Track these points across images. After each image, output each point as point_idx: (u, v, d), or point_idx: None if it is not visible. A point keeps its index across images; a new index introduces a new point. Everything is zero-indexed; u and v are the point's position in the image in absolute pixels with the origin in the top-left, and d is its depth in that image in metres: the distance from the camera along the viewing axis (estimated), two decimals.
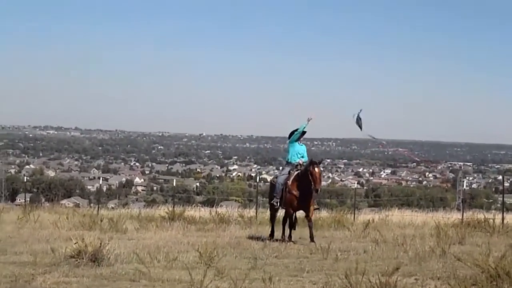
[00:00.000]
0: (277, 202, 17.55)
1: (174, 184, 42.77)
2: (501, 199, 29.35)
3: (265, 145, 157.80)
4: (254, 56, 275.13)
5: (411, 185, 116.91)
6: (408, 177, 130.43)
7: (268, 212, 20.97)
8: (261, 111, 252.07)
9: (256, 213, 25.77)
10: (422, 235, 15.92)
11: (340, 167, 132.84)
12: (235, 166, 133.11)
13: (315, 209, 18.04)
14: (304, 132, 17.75)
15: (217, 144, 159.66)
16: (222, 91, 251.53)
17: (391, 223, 22.92)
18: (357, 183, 73.04)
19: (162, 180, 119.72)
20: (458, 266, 11.59)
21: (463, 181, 36.73)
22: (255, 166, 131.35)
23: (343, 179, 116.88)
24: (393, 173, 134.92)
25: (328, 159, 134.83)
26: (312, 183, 16.76)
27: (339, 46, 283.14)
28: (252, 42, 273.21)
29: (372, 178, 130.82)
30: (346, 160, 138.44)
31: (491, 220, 20.75)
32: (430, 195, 77.82)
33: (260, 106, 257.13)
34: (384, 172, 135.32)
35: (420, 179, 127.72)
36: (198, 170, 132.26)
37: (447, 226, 19.49)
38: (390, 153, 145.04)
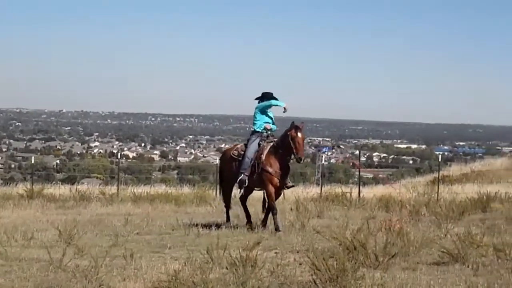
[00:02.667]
0: (245, 180, 14.78)
1: (33, 162, 41.61)
2: (358, 173, 30.31)
3: (127, 121, 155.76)
4: (110, 29, 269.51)
5: None
6: None
7: (218, 194, 18.66)
8: (122, 87, 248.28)
9: (117, 190, 25.45)
10: (282, 210, 16.18)
11: (202, 143, 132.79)
12: (97, 143, 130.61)
13: (290, 186, 15.58)
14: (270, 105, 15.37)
15: (77, 120, 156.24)
16: (81, 67, 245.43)
17: (253, 199, 23.17)
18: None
19: (21, 158, 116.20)
20: (317, 239, 11.93)
21: (322, 156, 37.65)
22: (117, 142, 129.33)
23: (206, 155, 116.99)
24: None
25: (190, 135, 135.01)
26: (294, 151, 14.26)
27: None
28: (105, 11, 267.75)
29: None
30: (208, 136, 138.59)
31: (348, 194, 21.43)
32: (290, 170, 78.88)
33: (121, 81, 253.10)
34: None
35: None
36: (58, 147, 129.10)
37: (307, 201, 19.93)
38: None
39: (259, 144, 14.85)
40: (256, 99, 15.57)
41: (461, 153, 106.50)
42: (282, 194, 16.15)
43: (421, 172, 47.96)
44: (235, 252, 9.39)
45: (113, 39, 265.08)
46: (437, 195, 23.62)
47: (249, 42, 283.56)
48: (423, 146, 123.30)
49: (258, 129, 15.13)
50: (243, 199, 15.77)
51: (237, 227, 14.61)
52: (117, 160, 41.53)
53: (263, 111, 15.29)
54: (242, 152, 15.02)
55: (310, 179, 46.22)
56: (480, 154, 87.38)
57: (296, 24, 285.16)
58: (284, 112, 15.32)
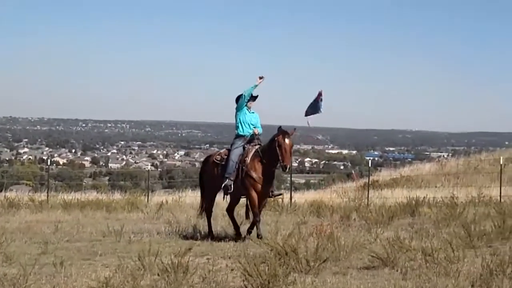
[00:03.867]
0: (230, 185, 13.70)
1: None
2: (290, 178, 30.46)
3: (57, 127, 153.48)
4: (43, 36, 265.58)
5: None
6: (201, 159, 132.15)
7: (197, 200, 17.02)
8: (52, 93, 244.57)
9: (47, 197, 25.08)
10: (214, 215, 16.18)
11: (134, 149, 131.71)
12: (26, 149, 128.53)
13: (276, 195, 14.70)
14: (255, 97, 14.35)
15: (6, 126, 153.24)
16: (9, 72, 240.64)
17: (185, 204, 23.16)
18: (151, 165, 72.91)
19: None
20: (249, 245, 11.98)
21: None
22: (47, 149, 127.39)
23: (137, 161, 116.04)
24: (186, 154, 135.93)
25: (122, 141, 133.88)
26: (280, 158, 13.22)
27: None
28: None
29: (166, 160, 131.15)
30: (140, 142, 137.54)
31: (280, 200, 21.53)
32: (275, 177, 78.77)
33: (50, 87, 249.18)
34: (178, 153, 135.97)
35: None
36: None
37: (239, 207, 19.96)
38: (184, 134, 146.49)
39: (243, 148, 13.91)
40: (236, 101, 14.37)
41: (390, 158, 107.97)
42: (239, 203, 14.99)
43: (352, 177, 48.48)
44: (167, 258, 9.38)
45: (41, 43, 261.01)
46: (367, 200, 23.93)
47: (181, 47, 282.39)
48: (354, 152, 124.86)
49: (241, 133, 14.13)
50: (230, 209, 14.62)
51: (169, 234, 14.55)
52: (47, 166, 40.91)
53: (243, 111, 14.17)
54: (225, 157, 14.06)
55: None
56: (409, 159, 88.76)
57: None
58: (261, 80, 13.98)
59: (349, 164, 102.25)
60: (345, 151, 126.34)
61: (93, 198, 24.19)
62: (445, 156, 54.87)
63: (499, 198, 22.83)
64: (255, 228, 13.71)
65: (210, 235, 14.12)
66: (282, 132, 13.45)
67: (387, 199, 23.67)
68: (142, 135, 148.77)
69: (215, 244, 13.02)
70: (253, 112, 14.37)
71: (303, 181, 66.22)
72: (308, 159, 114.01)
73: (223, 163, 14.05)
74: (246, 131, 14.10)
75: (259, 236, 13.13)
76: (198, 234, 14.38)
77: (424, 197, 20.74)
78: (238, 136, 14.17)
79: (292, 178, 30.65)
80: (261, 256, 10.02)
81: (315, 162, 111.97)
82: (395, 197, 23.94)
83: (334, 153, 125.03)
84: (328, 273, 9.64)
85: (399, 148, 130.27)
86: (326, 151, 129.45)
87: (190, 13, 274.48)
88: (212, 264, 10.12)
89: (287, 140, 13.30)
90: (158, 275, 9.03)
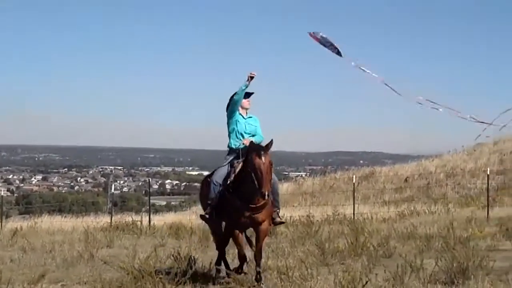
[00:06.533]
0: (209, 213, 10.76)
1: None
2: (151, 201, 30.36)
3: None
4: None
5: (63, 191, 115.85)
6: (59, 183, 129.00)
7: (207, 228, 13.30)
8: None
9: None
10: (71, 240, 15.90)
11: None
12: None
13: (278, 223, 11.32)
14: (249, 94, 11.10)
15: None
16: None
17: (41, 230, 22.55)
18: (7, 190, 70.68)
19: None
20: (105, 270, 11.81)
21: (113, 185, 37.26)
22: None
23: None
24: (44, 179, 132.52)
25: None
26: (256, 183, 9.75)
27: None
28: None
29: (22, 185, 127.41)
30: None
31: (139, 222, 21.42)
32: (82, 200, 77.72)
33: None
34: (35, 178, 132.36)
35: (72, 184, 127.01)
36: None
37: (96, 230, 19.70)
38: (41, 158, 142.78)
39: (231, 165, 10.79)
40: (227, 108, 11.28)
41: None
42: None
43: None
44: (20, 286, 9.13)
45: None
46: None
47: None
48: None
49: (232, 146, 11.05)
50: (222, 241, 11.38)
51: (23, 261, 14.12)
52: None
53: (235, 118, 11.09)
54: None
55: (102, 208, 45.63)
56: None
57: None
58: (252, 79, 10.78)
59: None
60: (205, 173, 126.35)
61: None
62: (303, 175, 56.04)
63: (352, 216, 23.63)
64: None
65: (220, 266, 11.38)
66: (255, 148, 10.15)
67: None
68: None
69: (70, 269, 12.75)
70: (251, 117, 11.29)
71: (164, 203, 66.02)
72: (169, 180, 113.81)
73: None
74: (236, 143, 11.08)
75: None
76: (53, 261, 14.02)
77: (281, 217, 21.10)
78: (229, 151, 11.14)
79: (153, 201, 30.52)
80: (117, 281, 9.93)
81: (176, 184, 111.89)
82: None
83: (195, 175, 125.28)
84: None
85: None
86: (187, 172, 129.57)
87: None
88: None
89: (263, 158, 9.88)
90: None
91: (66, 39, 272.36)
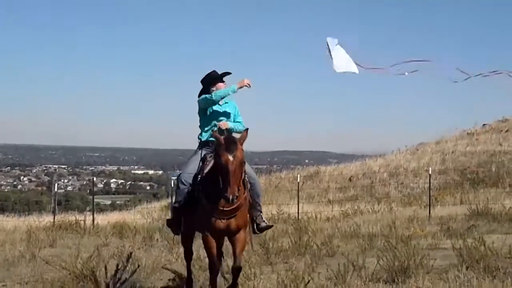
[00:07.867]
0: (174, 219, 9.29)
1: None
2: (95, 200, 30.07)
3: None
4: None
5: (6, 190, 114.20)
6: (2, 182, 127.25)
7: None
8: None
9: None
10: (12, 240, 15.68)
11: None
12: None
13: (264, 228, 9.50)
14: (223, 74, 9.44)
15: None
16: None
17: None
18: None
19: None
20: (47, 270, 11.68)
21: (57, 184, 36.86)
22: None
23: None
24: None
25: None
26: (221, 183, 7.93)
27: None
28: None
29: None
30: None
31: (83, 222, 21.21)
32: (25, 199, 76.77)
33: None
34: None
35: (15, 183, 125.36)
36: None
37: (39, 230, 19.45)
38: None
39: (203, 160, 8.93)
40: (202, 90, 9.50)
41: None
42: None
43: (158, 198, 48.56)
44: None
45: None
46: None
47: None
48: (160, 172, 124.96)
49: (202, 138, 9.34)
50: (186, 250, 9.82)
51: None
52: None
53: (206, 102, 9.26)
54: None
55: (46, 207, 45.12)
56: None
57: None
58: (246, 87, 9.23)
59: (155, 185, 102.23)
60: (151, 172, 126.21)
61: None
62: None
63: (297, 215, 23.78)
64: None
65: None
66: (226, 140, 8.21)
67: None
68: None
69: (11, 269, 12.57)
70: (227, 102, 9.47)
71: (109, 202, 65.51)
72: (114, 180, 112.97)
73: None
74: (207, 136, 9.30)
75: None
76: None
77: None
78: (200, 143, 9.35)
79: (98, 200, 30.25)
80: (59, 281, 9.86)
81: (121, 183, 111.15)
82: None
83: (140, 174, 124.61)
84: None
85: None
86: (132, 171, 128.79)
87: None
88: None
89: (229, 156, 7.97)
90: None
91: None
